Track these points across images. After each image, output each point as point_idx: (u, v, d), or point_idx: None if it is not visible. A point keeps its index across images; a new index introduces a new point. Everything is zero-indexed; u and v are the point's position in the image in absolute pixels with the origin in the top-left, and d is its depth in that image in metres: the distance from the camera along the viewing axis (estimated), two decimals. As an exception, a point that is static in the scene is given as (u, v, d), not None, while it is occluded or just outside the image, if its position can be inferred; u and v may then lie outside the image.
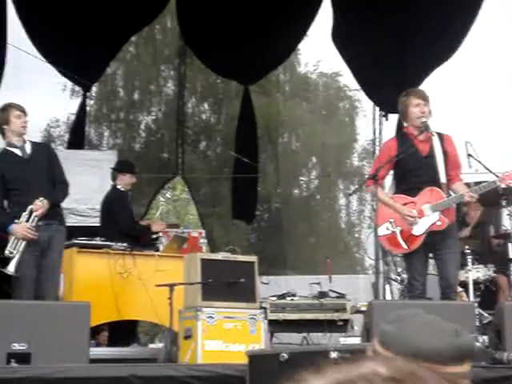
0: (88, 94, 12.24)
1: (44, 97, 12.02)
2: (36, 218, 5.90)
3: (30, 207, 5.88)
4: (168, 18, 12.57)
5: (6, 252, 5.74)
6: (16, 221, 5.88)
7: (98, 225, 8.40)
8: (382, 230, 6.14)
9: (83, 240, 7.15)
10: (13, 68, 10.73)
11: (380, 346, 1.83)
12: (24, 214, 5.87)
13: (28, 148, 6.20)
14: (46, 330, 5.04)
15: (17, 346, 4.93)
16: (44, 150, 6.43)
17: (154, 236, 8.07)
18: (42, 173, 6.16)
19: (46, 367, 4.66)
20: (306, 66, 16.40)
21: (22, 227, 5.82)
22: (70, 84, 13.33)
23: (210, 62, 11.52)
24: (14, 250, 5.77)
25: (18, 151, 6.16)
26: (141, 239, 7.75)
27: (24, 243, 5.79)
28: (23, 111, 6.21)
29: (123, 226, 7.71)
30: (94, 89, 14.21)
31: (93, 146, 13.04)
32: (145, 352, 7.36)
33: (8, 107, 6.20)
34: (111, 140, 14.39)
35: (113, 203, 7.92)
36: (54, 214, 6.18)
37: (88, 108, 12.97)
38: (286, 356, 4.26)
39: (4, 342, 4.93)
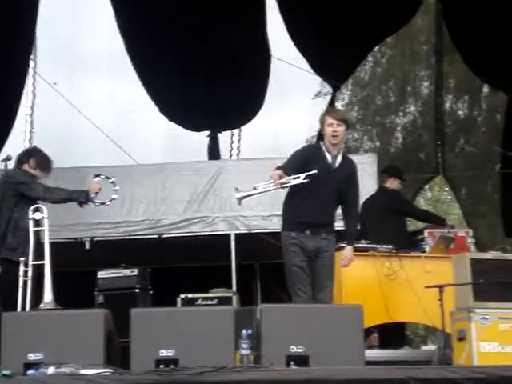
0: (336, 95, 12.43)
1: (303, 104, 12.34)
2: None
3: None
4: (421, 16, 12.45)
5: None
6: None
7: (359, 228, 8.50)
8: None
9: (349, 243, 7.22)
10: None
11: None
12: None
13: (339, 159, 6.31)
14: (322, 333, 5.17)
15: (295, 349, 5.11)
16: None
17: (420, 237, 8.06)
18: None
19: (324, 369, 4.77)
20: None
21: None
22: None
23: (474, 64, 11.27)
24: None
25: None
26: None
27: None
28: (337, 120, 6.25)
29: (420, 215, 8.67)
30: (349, 93, 14.39)
31: (351, 151, 13.22)
32: (418, 354, 7.34)
33: (325, 114, 6.37)
34: (369, 143, 14.48)
35: (401, 202, 8.26)
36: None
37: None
38: None
39: (283, 345, 5.12)
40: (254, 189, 6.04)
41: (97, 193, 6.58)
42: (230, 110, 11.18)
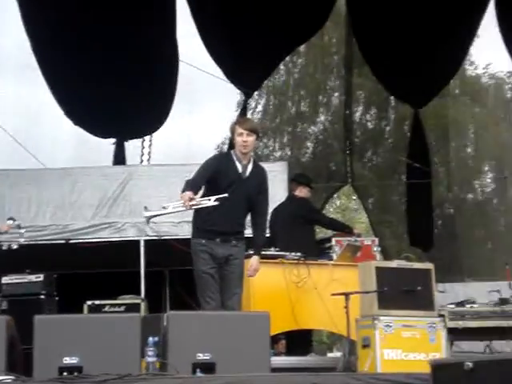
0: (248, 102, 12.53)
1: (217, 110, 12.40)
2: None
3: None
4: (332, 28, 12.68)
5: None
6: None
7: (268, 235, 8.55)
8: None
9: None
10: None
11: None
12: None
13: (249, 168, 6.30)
14: (229, 340, 5.17)
15: (201, 356, 5.10)
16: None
17: (327, 245, 8.15)
18: None
19: (230, 376, 4.77)
20: (475, 68, 15.94)
21: None
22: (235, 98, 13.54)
23: (382, 76, 11.51)
24: None
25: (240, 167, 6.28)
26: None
27: None
28: (247, 130, 6.24)
29: (328, 223, 8.69)
30: (262, 101, 14.53)
31: (262, 159, 13.30)
32: (324, 361, 7.42)
33: (235, 123, 6.38)
34: (279, 152, 14.63)
35: (309, 211, 8.33)
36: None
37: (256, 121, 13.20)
38: (470, 365, 4.14)
39: (190, 353, 5.10)
40: (164, 208, 6.03)
41: (1, 233, 6.54)
42: (136, 116, 11.10)
